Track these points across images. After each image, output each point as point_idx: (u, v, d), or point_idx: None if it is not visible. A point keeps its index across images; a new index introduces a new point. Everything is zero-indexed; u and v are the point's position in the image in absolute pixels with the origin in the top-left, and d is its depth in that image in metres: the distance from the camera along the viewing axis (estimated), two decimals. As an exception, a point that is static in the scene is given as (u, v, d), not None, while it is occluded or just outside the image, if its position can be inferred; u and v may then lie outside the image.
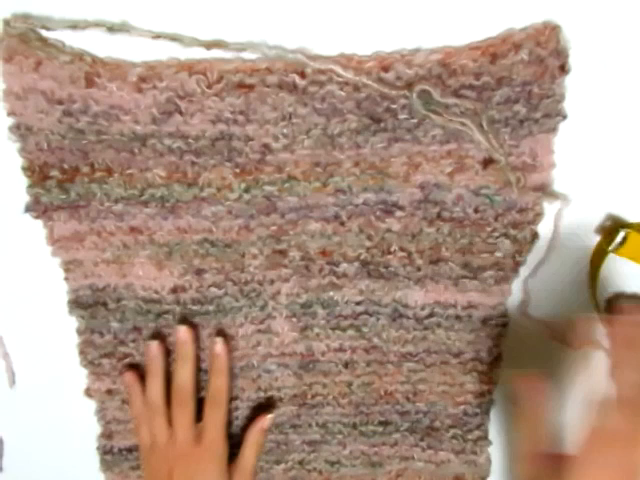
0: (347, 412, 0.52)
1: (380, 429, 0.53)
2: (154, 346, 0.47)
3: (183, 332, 0.47)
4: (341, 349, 0.49)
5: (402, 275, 0.46)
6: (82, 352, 0.49)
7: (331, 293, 0.47)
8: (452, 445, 0.53)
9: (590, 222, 0.46)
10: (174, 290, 0.47)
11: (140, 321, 0.48)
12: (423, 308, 0.47)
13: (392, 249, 0.45)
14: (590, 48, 0.40)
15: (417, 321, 0.48)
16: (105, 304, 0.47)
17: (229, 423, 0.52)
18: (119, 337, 0.48)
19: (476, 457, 0.53)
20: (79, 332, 0.49)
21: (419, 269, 0.46)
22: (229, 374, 0.48)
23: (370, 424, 0.53)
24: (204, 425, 0.47)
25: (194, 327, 0.48)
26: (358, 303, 0.48)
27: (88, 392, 0.51)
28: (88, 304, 0.47)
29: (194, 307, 0.47)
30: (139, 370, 0.49)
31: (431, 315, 0.48)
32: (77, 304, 0.47)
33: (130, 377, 0.48)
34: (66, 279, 0.47)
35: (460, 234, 0.45)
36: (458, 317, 0.48)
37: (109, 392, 0.51)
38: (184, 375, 0.47)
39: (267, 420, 0.50)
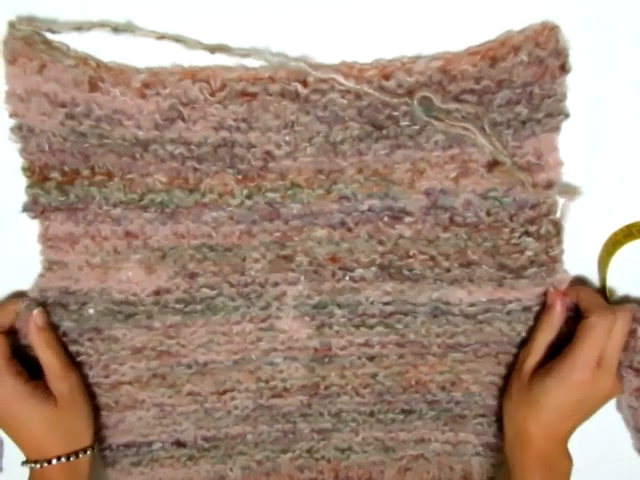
0: (366, 401, 0.52)
1: (401, 417, 0.53)
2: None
3: None
4: (367, 344, 0.49)
5: (431, 277, 0.46)
6: None
7: (349, 295, 0.47)
8: (475, 429, 0.53)
9: (591, 219, 0.46)
10: (157, 292, 0.46)
11: (104, 322, 0.47)
12: (472, 305, 0.47)
13: (411, 253, 0.45)
14: (590, 47, 0.40)
15: (466, 317, 0.47)
16: (65, 306, 0.46)
17: (228, 412, 0.52)
18: (70, 336, 0.47)
19: (498, 440, 0.53)
20: None
21: (448, 270, 0.46)
22: None
23: (390, 412, 0.52)
24: None
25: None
26: (387, 303, 0.47)
27: None
28: (47, 304, 0.46)
29: (178, 306, 0.47)
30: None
31: (486, 311, 0.47)
32: (36, 301, 0.46)
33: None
34: (41, 276, 0.46)
35: (480, 238, 0.44)
36: (526, 308, 0.47)
37: None
38: None
39: (37, 317, 0.46)
